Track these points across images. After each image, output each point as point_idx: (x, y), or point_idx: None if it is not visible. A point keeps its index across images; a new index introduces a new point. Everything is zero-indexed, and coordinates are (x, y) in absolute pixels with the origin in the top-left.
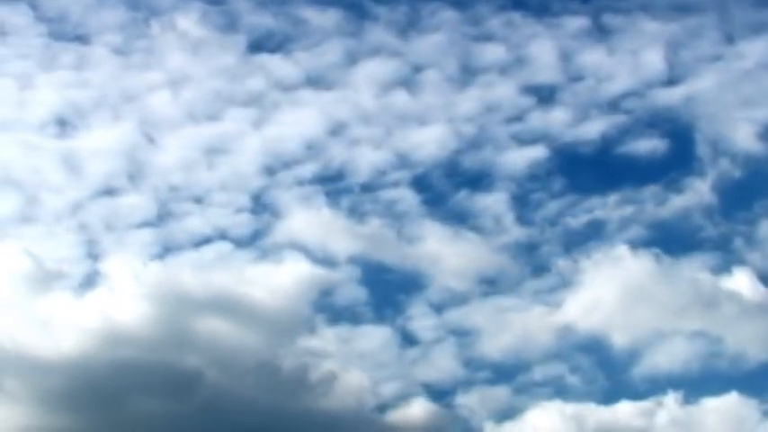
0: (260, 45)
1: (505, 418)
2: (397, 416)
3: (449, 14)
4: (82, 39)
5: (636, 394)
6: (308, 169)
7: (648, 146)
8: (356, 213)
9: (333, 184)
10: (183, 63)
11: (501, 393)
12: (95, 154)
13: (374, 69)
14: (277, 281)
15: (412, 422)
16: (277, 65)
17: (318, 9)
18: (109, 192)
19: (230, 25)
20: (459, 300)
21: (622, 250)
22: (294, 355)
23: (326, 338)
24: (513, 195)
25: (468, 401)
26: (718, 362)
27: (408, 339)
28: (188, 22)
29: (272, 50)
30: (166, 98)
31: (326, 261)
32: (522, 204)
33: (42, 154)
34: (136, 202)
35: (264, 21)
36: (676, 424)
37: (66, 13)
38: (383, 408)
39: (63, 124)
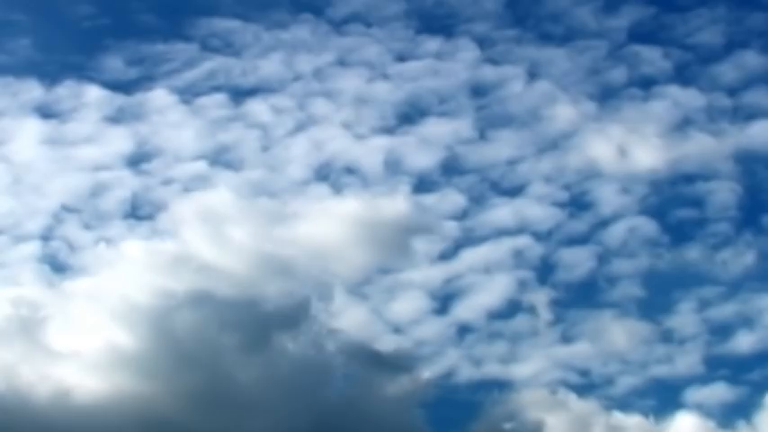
0: (638, 33)
1: None
2: None
3: None
4: (448, 29)
5: None
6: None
7: None
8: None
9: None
10: (548, 54)
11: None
12: (418, 149)
13: (745, 61)
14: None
15: None
16: (647, 56)
17: None
18: (419, 188)
19: (612, 9)
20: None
21: None
22: None
23: None
24: None
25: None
26: None
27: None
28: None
29: (648, 40)
30: (516, 92)
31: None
32: None
33: (365, 150)
34: (445, 197)
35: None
36: None
37: (440, 4)
38: None
39: (399, 118)
